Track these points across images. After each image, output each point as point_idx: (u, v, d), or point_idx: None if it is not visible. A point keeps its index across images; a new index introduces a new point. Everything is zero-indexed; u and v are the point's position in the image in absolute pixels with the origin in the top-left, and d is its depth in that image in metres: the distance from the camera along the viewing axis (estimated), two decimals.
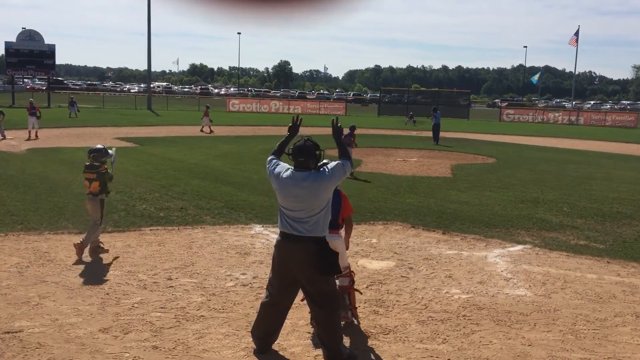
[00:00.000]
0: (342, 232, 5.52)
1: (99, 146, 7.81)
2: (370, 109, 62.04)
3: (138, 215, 9.67)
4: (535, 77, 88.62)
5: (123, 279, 6.48)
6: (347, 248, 5.51)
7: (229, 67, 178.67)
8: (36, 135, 22.38)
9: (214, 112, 47.31)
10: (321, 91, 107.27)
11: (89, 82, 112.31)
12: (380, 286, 6.55)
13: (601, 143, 30.46)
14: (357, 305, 5.60)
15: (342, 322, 5.33)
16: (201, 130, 28.53)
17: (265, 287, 5.05)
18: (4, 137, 21.59)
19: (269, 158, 4.86)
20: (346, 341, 4.86)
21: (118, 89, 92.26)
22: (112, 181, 7.94)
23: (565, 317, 5.77)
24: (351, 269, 5.58)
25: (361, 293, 5.76)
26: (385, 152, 21.63)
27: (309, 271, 4.51)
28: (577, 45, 67.44)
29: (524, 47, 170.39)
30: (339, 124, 4.88)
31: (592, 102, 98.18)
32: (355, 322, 5.44)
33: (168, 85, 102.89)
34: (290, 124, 4.98)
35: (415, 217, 10.09)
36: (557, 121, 52.07)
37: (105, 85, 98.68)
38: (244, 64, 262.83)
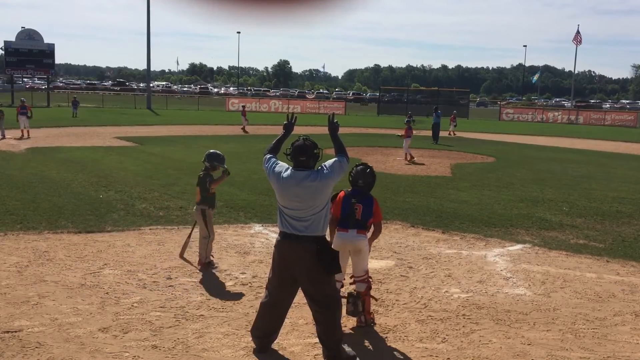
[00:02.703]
0: (369, 234, 5.51)
1: (213, 150, 7.31)
2: (369, 109, 62.04)
3: (137, 214, 9.67)
4: (535, 77, 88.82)
5: (122, 279, 6.48)
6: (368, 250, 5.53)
7: (229, 66, 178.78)
8: (28, 135, 22.32)
9: (212, 111, 47.45)
10: (321, 90, 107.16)
11: (88, 81, 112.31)
12: (379, 285, 6.54)
13: (601, 142, 30.47)
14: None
15: (356, 324, 5.35)
16: (243, 130, 29.25)
17: (264, 286, 5.06)
18: (4, 137, 21.58)
19: (266, 156, 4.83)
20: (346, 340, 4.86)
21: (117, 88, 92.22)
22: (208, 192, 7.09)
23: (565, 316, 5.77)
24: (369, 275, 5.58)
25: (376, 299, 5.74)
26: (385, 152, 21.64)
27: (310, 271, 4.51)
28: (575, 43, 67.51)
29: (524, 46, 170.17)
30: (335, 120, 4.89)
31: (591, 102, 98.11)
32: (372, 324, 5.42)
33: (167, 84, 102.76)
34: (285, 122, 4.98)
35: (414, 217, 10.09)
36: (557, 120, 52.09)
37: (105, 85, 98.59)
38: (244, 64, 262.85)
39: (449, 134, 30.58)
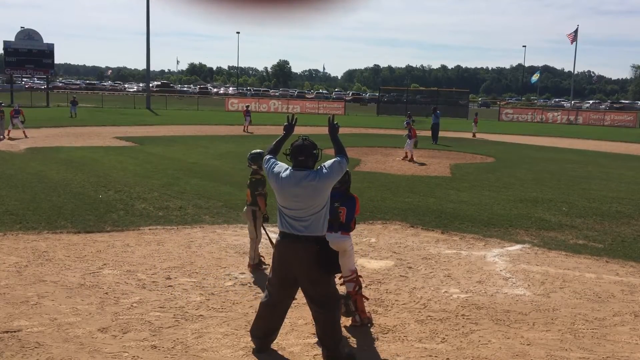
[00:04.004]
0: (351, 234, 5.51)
1: (254, 151, 7.05)
2: (369, 109, 62.03)
3: (137, 214, 9.67)
4: (535, 77, 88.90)
5: (122, 279, 6.48)
6: None
7: (228, 66, 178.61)
8: (25, 135, 22.40)
9: (212, 111, 47.41)
10: (320, 90, 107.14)
11: (87, 81, 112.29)
12: (379, 285, 6.55)
13: (600, 142, 30.49)
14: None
15: (350, 324, 5.35)
16: (244, 130, 29.44)
17: (264, 286, 5.05)
18: (4, 138, 21.56)
19: (266, 157, 4.85)
20: (345, 340, 4.86)
21: (117, 88, 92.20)
22: (261, 194, 6.97)
23: (564, 316, 5.77)
24: (358, 274, 5.57)
25: (367, 299, 5.73)
26: (384, 152, 21.65)
27: (309, 270, 4.51)
28: (575, 43, 67.47)
29: (523, 46, 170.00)
30: (335, 122, 4.90)
31: (590, 102, 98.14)
32: (369, 323, 5.41)
33: (167, 83, 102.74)
34: (285, 123, 4.99)
35: (414, 217, 10.09)
36: (556, 121, 52.11)
37: (104, 85, 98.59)
38: (243, 64, 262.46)
39: (474, 135, 30.78)
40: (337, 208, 5.28)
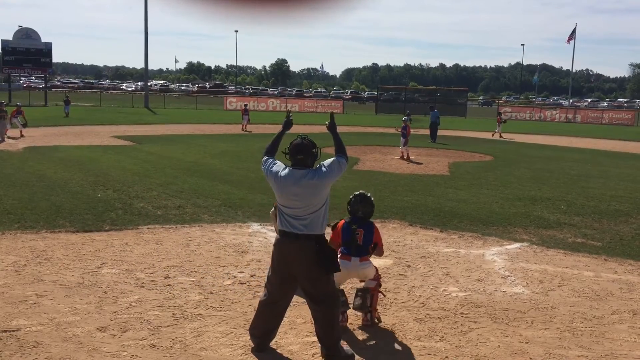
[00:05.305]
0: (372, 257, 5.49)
1: None
2: (367, 107, 62.07)
3: (135, 213, 9.66)
4: (536, 76, 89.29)
5: (121, 278, 6.47)
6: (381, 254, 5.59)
7: (227, 65, 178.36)
8: (21, 134, 22.41)
9: (211, 110, 47.38)
10: (319, 89, 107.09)
11: (85, 80, 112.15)
12: None
13: (598, 141, 30.52)
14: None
15: (362, 323, 5.36)
16: (242, 129, 29.46)
17: (263, 285, 5.06)
18: (3, 140, 21.47)
19: (264, 158, 4.85)
20: (344, 339, 4.86)
21: (115, 87, 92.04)
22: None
23: (563, 314, 5.78)
24: (378, 272, 5.58)
25: (384, 295, 5.73)
26: (383, 151, 21.64)
27: (308, 269, 4.51)
28: (573, 41, 67.52)
29: (522, 45, 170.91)
30: (332, 120, 4.90)
31: (589, 100, 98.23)
32: (377, 322, 5.41)
33: (165, 83, 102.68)
34: (285, 119, 4.99)
35: (412, 215, 10.10)
36: (554, 119, 52.18)
37: (102, 84, 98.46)
38: (242, 63, 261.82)
39: (500, 136, 30.50)
40: (355, 230, 5.28)
